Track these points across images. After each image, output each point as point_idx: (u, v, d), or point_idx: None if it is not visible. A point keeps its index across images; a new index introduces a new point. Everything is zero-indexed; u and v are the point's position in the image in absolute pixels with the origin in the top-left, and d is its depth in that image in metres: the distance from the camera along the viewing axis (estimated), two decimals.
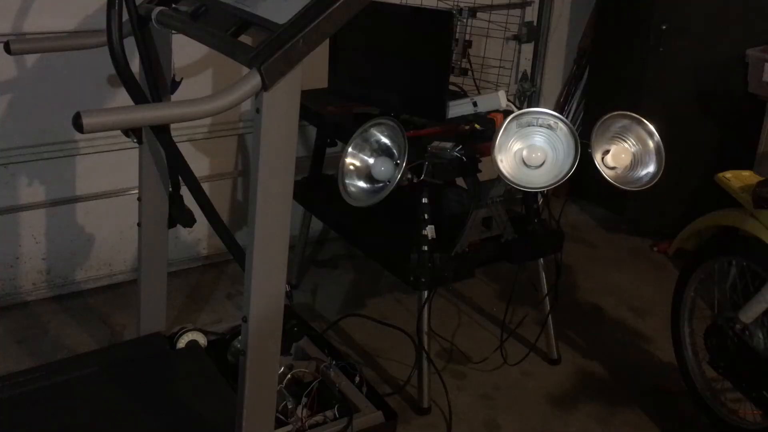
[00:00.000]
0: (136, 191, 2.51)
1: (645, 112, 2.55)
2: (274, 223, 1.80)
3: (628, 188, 2.47)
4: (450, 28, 2.75)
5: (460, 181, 2.88)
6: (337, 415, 2.36)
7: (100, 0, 2.87)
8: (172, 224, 2.43)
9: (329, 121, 2.98)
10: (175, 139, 2.11)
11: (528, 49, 4.21)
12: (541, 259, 2.96)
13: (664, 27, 3.73)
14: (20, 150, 2.97)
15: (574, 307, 3.45)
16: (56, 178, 3.09)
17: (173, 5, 1.99)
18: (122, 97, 2.94)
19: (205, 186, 1.97)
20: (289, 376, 2.46)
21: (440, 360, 2.98)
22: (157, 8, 2.01)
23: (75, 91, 3.00)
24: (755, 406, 2.49)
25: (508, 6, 3.93)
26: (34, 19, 2.82)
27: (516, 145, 2.39)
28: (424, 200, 2.61)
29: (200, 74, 3.00)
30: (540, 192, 2.89)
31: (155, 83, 2.19)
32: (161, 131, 1.94)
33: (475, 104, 2.76)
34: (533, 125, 2.38)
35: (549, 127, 2.37)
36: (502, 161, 2.36)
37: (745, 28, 3.64)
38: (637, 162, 2.49)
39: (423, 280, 2.62)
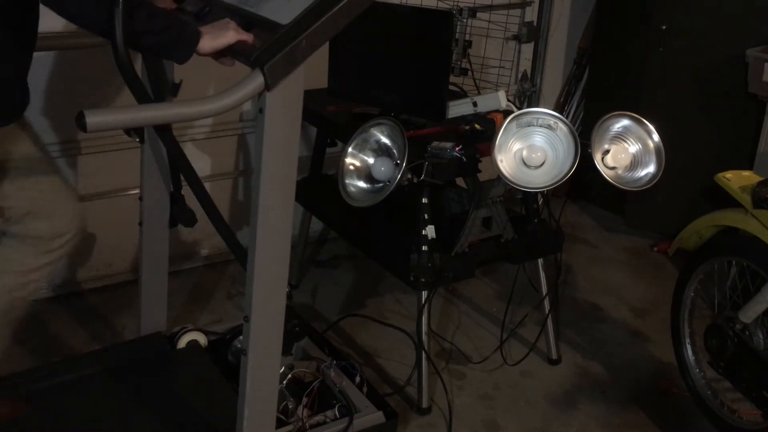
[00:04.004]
0: (137, 191, 2.51)
1: (645, 112, 2.56)
2: (276, 223, 1.80)
3: (628, 188, 2.48)
4: (450, 28, 2.76)
5: (460, 181, 2.88)
6: (338, 415, 2.36)
7: None
8: (173, 224, 2.43)
9: (329, 121, 2.98)
10: (177, 139, 2.11)
11: (528, 49, 4.21)
12: (541, 259, 2.96)
13: (664, 27, 3.73)
14: None
15: (574, 307, 3.45)
16: None
17: (178, 6, 1.99)
18: (124, 96, 2.95)
19: (206, 186, 1.97)
20: (289, 376, 2.46)
21: (440, 360, 2.98)
22: None
23: (76, 91, 2.99)
24: (755, 406, 2.49)
25: (508, 6, 3.93)
26: None
27: (516, 145, 2.39)
28: (424, 200, 2.61)
29: (203, 74, 2.99)
30: (540, 192, 2.89)
31: (158, 83, 2.20)
32: (164, 131, 1.94)
33: (475, 104, 2.77)
34: (533, 125, 2.39)
35: (549, 127, 2.37)
36: (502, 161, 2.37)
37: (745, 28, 3.65)
38: (637, 162, 2.49)
39: (423, 280, 2.62)
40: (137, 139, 2.27)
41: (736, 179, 2.63)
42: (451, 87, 2.93)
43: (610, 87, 4.19)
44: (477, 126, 2.66)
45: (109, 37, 1.64)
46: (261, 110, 1.70)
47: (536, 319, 3.14)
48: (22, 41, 1.94)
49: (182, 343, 2.60)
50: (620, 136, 2.49)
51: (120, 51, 1.63)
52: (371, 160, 2.47)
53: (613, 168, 2.46)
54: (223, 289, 3.42)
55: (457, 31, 3.37)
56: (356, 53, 2.85)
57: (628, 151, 2.48)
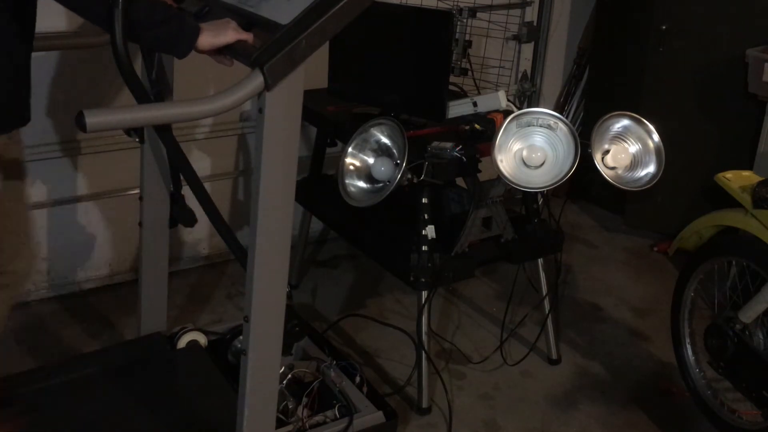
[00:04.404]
0: (137, 191, 2.51)
1: (645, 112, 2.56)
2: (276, 223, 1.80)
3: (628, 188, 2.48)
4: (450, 28, 2.76)
5: (460, 181, 2.88)
6: (338, 415, 2.36)
7: None
8: (173, 224, 2.43)
9: (329, 121, 2.98)
10: (176, 139, 2.11)
11: (528, 49, 4.21)
12: (541, 259, 2.96)
13: (664, 27, 3.73)
14: None
15: (574, 307, 3.45)
16: (57, 178, 3.09)
17: (177, 6, 1.99)
18: (124, 96, 2.96)
19: (206, 186, 1.97)
20: (289, 376, 2.46)
21: (440, 360, 2.98)
22: None
23: (76, 91, 3.00)
24: (755, 406, 2.49)
25: (508, 6, 3.93)
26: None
27: (516, 145, 2.39)
28: (424, 200, 2.62)
29: (202, 74, 3.00)
30: (540, 192, 2.89)
31: (158, 82, 2.19)
32: (163, 130, 1.94)
33: (475, 104, 2.77)
34: (533, 125, 2.38)
35: (549, 127, 2.37)
36: (502, 161, 2.37)
37: (745, 28, 3.65)
38: (637, 162, 2.49)
39: (423, 280, 2.62)
40: (137, 139, 2.26)
41: (736, 179, 2.63)
42: (451, 87, 2.93)
43: (610, 87, 4.19)
44: (477, 126, 2.66)
45: (110, 32, 1.63)
46: (261, 110, 1.69)
47: (536, 319, 3.14)
48: (21, 35, 1.92)
49: (182, 343, 2.60)
50: (620, 136, 2.49)
51: (119, 50, 1.63)
52: (371, 160, 2.47)
53: (613, 168, 2.46)
54: (223, 289, 3.42)
55: (457, 31, 3.36)
56: (356, 53, 2.85)
57: (628, 151, 2.48)
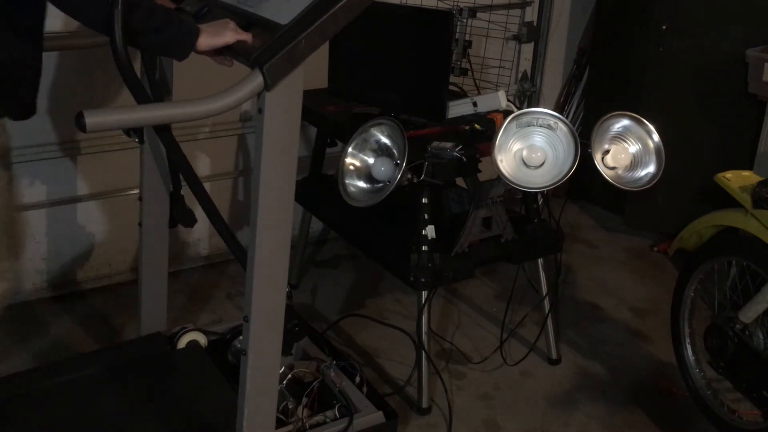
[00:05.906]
0: (137, 191, 2.51)
1: (645, 112, 2.56)
2: (276, 223, 1.80)
3: (628, 188, 2.48)
4: (450, 28, 2.76)
5: (460, 181, 2.88)
6: (338, 415, 2.36)
7: None
8: (173, 224, 2.43)
9: (329, 121, 2.98)
10: (176, 139, 2.11)
11: (528, 49, 4.21)
12: (541, 259, 2.96)
13: (664, 27, 3.73)
14: (21, 150, 2.97)
15: (574, 307, 3.45)
16: (56, 178, 3.09)
17: (177, 6, 2.00)
18: (124, 96, 2.96)
19: (206, 186, 1.97)
20: (289, 376, 2.46)
21: (440, 360, 2.98)
22: None
23: (76, 91, 3.00)
24: (755, 406, 2.49)
25: (508, 6, 3.93)
26: None
27: (516, 145, 2.40)
28: (424, 200, 2.61)
29: (202, 74, 3.00)
30: (540, 192, 2.89)
31: (157, 83, 2.19)
32: (163, 131, 1.94)
33: (475, 104, 2.77)
34: (533, 125, 2.39)
35: (549, 127, 2.37)
36: (502, 161, 2.37)
37: (745, 28, 3.65)
38: (637, 162, 2.49)
39: (423, 280, 2.62)
40: (137, 140, 2.26)
41: (736, 179, 2.63)
42: (451, 87, 2.92)
43: (610, 87, 4.19)
44: (477, 126, 2.66)
45: (110, 34, 1.63)
46: (260, 110, 1.70)
47: (536, 319, 3.14)
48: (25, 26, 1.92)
49: (182, 343, 2.60)
50: (620, 136, 2.49)
51: (119, 51, 1.63)
52: (371, 160, 2.47)
53: (613, 168, 2.46)
54: (223, 289, 3.41)
55: (457, 31, 3.37)
56: (356, 53, 2.85)
57: (628, 151, 2.48)
